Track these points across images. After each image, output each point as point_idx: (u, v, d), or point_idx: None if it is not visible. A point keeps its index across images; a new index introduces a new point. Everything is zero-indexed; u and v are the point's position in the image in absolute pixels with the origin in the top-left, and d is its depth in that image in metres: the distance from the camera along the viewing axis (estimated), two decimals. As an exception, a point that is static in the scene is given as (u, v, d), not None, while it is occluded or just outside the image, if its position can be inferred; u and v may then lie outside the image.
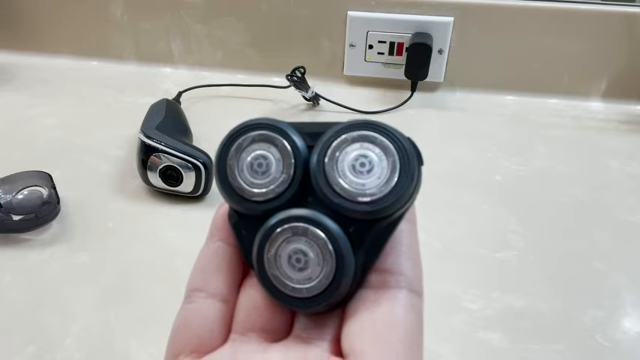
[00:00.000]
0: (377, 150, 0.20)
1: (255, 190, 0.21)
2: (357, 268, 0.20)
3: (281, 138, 0.21)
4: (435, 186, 0.59)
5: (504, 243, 0.52)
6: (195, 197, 0.56)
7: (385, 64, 0.77)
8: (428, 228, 0.53)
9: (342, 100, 0.73)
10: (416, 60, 0.73)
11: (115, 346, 0.41)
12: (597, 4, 0.71)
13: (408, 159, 0.20)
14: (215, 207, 0.23)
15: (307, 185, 0.20)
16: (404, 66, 0.74)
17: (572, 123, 0.72)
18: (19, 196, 0.52)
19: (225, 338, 0.21)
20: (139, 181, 0.57)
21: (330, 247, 0.19)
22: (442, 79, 0.77)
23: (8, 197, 0.51)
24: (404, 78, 0.74)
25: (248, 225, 0.21)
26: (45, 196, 0.52)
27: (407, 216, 0.21)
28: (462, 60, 0.76)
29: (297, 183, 0.20)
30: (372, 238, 0.20)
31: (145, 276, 0.48)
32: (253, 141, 0.21)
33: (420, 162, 0.20)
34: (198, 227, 0.54)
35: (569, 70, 0.75)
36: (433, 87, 0.78)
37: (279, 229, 0.20)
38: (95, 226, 0.53)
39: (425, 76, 0.74)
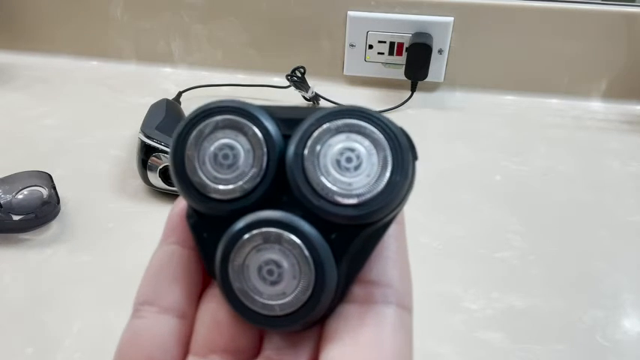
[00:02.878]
0: (366, 142, 0.17)
1: (220, 187, 0.17)
2: (340, 280, 0.17)
3: (251, 124, 0.17)
4: (435, 186, 0.59)
5: (504, 243, 0.52)
6: (195, 197, 0.56)
7: (385, 64, 0.77)
8: (428, 228, 0.53)
9: (342, 100, 0.73)
10: (416, 60, 0.73)
11: (114, 346, 0.41)
12: (597, 4, 0.71)
13: (402, 153, 0.17)
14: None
15: (282, 182, 0.17)
16: (404, 66, 0.74)
17: (572, 123, 0.72)
18: (19, 196, 0.52)
19: None
20: (139, 181, 0.57)
21: (309, 257, 0.17)
22: (442, 79, 0.77)
23: (8, 197, 0.51)
24: (404, 78, 0.74)
25: (210, 227, 0.18)
26: (45, 196, 0.52)
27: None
28: (462, 60, 0.75)
29: (269, 179, 0.17)
30: (357, 246, 0.17)
31: (144, 276, 0.48)
32: (217, 127, 0.18)
33: (415, 157, 0.17)
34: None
35: (569, 70, 0.74)
36: (433, 87, 0.78)
37: (247, 235, 0.17)
38: (95, 226, 0.53)
39: (425, 76, 0.74)
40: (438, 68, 0.76)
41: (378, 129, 0.17)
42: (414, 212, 0.55)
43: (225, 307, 0.18)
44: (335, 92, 0.75)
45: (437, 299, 0.46)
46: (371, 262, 0.18)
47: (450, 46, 0.75)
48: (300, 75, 0.71)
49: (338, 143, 0.17)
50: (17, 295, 0.46)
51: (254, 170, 0.17)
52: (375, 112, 0.17)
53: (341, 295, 0.17)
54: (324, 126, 0.17)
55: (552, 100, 0.76)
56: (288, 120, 0.18)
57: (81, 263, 0.49)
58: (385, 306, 0.17)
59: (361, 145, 0.17)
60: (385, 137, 0.17)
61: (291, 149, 0.17)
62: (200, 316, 0.19)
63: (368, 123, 0.17)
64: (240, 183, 0.17)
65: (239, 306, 0.17)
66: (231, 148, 0.18)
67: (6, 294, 0.46)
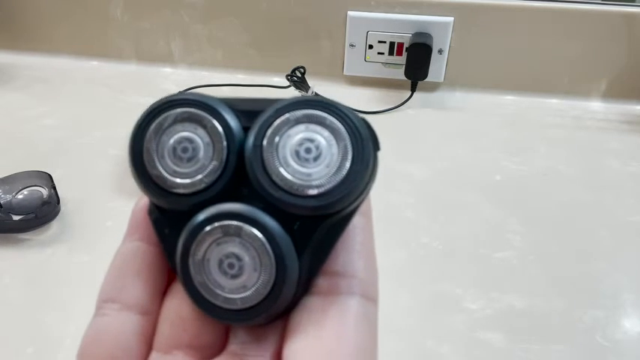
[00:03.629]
0: (326, 133, 0.17)
1: (179, 181, 0.17)
2: (302, 272, 0.17)
3: (210, 117, 0.17)
4: (435, 186, 0.59)
5: (504, 243, 0.52)
6: (195, 197, 0.56)
7: (385, 64, 0.77)
8: (428, 228, 0.53)
9: (342, 100, 0.72)
10: (416, 60, 0.73)
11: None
12: (597, 4, 0.71)
13: (362, 143, 0.17)
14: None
15: (242, 175, 0.17)
16: (404, 66, 0.74)
17: (572, 123, 0.72)
18: (19, 196, 0.52)
19: (145, 357, 0.18)
20: (138, 181, 0.57)
21: (269, 249, 0.16)
22: (442, 79, 0.77)
23: (8, 197, 0.51)
24: (404, 78, 0.74)
25: (171, 222, 0.18)
26: (45, 196, 0.52)
27: (361, 208, 0.18)
28: (462, 60, 0.75)
29: (229, 172, 0.17)
30: (319, 237, 0.17)
31: (144, 276, 0.48)
32: (177, 120, 0.17)
33: (377, 147, 0.17)
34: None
35: (569, 70, 0.74)
36: (433, 87, 0.78)
37: (207, 228, 0.17)
38: (95, 225, 0.53)
39: (425, 76, 0.74)
40: (438, 68, 0.75)
41: (338, 119, 0.17)
42: (414, 212, 0.55)
43: (189, 302, 0.18)
44: (335, 92, 0.75)
45: (437, 299, 0.46)
46: (336, 253, 0.18)
47: (450, 46, 0.75)
48: (300, 75, 0.71)
49: (297, 134, 0.17)
50: (17, 295, 0.46)
51: (214, 163, 0.17)
52: (336, 102, 0.17)
53: (304, 287, 0.17)
54: (284, 117, 0.17)
55: (552, 100, 0.76)
56: (248, 112, 0.18)
57: (81, 263, 0.49)
58: (349, 297, 0.17)
59: (321, 136, 0.17)
60: (345, 128, 0.17)
61: (250, 140, 0.17)
62: (164, 312, 0.19)
63: (327, 113, 0.17)
64: (200, 176, 0.17)
65: (201, 300, 0.17)
66: (191, 141, 0.17)
67: (6, 294, 0.46)
